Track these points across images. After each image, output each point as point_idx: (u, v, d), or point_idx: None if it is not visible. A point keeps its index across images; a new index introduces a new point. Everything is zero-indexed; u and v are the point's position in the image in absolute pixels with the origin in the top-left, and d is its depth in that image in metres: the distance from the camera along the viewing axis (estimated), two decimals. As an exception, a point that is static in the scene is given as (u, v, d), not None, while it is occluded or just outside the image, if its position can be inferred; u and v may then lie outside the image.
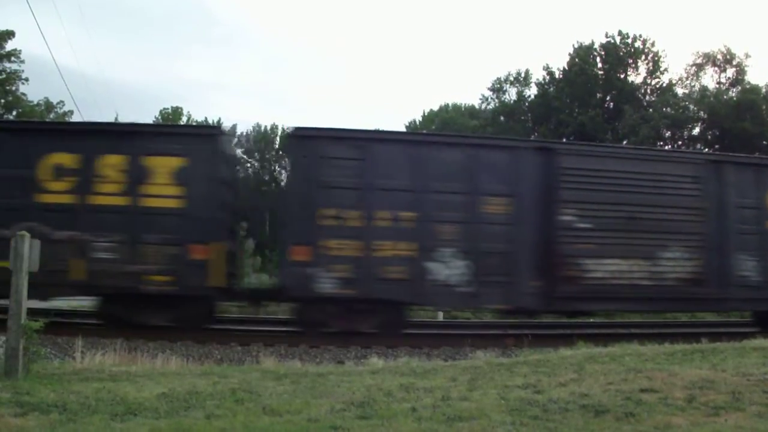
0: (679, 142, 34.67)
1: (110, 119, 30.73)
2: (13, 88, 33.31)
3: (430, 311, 15.72)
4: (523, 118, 42.33)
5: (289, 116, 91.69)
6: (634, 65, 38.73)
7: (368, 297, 11.35)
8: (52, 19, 60.72)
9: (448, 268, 11.49)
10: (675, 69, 47.30)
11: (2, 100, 32.86)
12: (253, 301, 13.38)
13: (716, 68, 36.77)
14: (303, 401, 5.37)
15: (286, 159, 11.44)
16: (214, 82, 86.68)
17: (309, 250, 11.15)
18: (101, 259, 11.08)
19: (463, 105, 56.12)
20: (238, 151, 38.26)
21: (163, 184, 11.32)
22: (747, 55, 36.54)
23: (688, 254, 12.28)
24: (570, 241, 11.85)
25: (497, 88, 47.45)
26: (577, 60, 38.49)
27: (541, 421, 4.76)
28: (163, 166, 11.34)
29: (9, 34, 32.13)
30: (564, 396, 5.51)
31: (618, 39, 38.59)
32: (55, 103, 36.61)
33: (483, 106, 49.28)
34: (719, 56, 36.30)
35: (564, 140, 29.91)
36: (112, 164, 11.34)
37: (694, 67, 37.12)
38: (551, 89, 39.93)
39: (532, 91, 44.28)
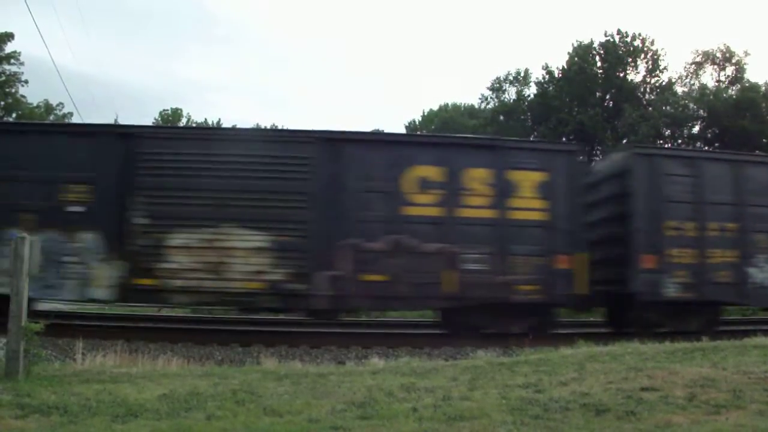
0: (679, 141, 34.67)
1: (110, 120, 30.67)
2: (13, 90, 33.35)
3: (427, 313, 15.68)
4: (522, 117, 42.32)
5: (288, 117, 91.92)
6: (633, 64, 38.70)
7: (703, 299, 12.48)
8: (51, 21, 60.84)
9: (763, 272, 12.80)
10: (674, 67, 47.57)
11: (2, 102, 32.88)
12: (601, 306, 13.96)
13: (715, 66, 36.78)
14: (304, 402, 5.37)
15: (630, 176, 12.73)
16: (213, 82, 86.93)
17: (657, 258, 12.32)
18: (472, 271, 11.49)
19: (462, 105, 56.15)
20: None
21: (528, 197, 11.91)
22: (746, 53, 36.59)
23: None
24: None
25: (497, 88, 47.45)
26: (576, 59, 38.46)
27: (542, 421, 4.76)
28: (528, 179, 11.93)
29: (8, 36, 32.17)
30: (565, 395, 5.51)
31: (617, 38, 38.57)
32: (54, 105, 36.73)
33: (482, 106, 49.28)
34: (718, 54, 36.31)
35: (563, 139, 29.82)
36: (477, 177, 11.80)
37: (693, 66, 37.15)
38: (551, 88, 39.89)
39: (531, 91, 44.25)
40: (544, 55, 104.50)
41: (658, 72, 38.68)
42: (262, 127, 48.52)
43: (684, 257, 12.43)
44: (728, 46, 36.39)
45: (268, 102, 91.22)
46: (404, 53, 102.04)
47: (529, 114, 42.28)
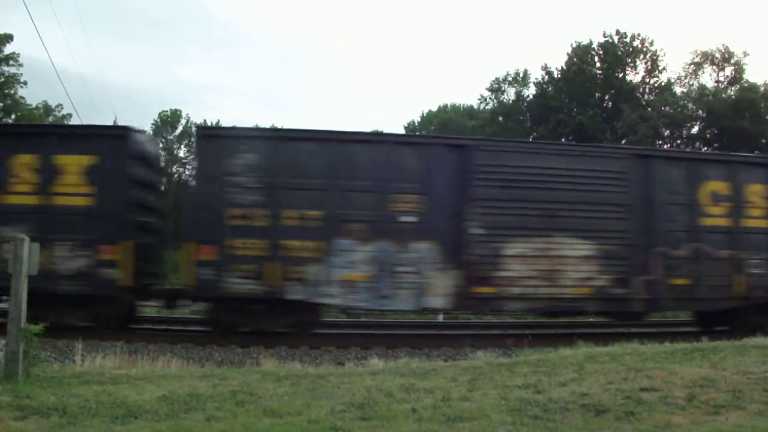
0: (678, 141, 34.71)
1: (109, 122, 30.67)
2: (12, 92, 33.34)
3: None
4: (521, 118, 42.36)
5: (287, 118, 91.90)
6: (632, 64, 38.76)
7: None
8: (50, 22, 60.84)
9: None
10: (673, 68, 47.57)
11: (1, 104, 32.87)
12: None
13: (714, 67, 36.81)
14: (303, 403, 5.37)
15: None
16: (212, 83, 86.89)
17: None
18: (755, 274, 12.53)
19: (461, 105, 56.20)
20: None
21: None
22: (745, 54, 36.63)
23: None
24: None
25: (496, 89, 47.52)
26: (575, 59, 38.51)
27: (541, 421, 4.76)
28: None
29: (7, 38, 32.17)
30: (564, 395, 5.51)
31: (616, 38, 38.63)
32: (53, 106, 36.69)
33: (482, 107, 49.39)
34: (717, 55, 36.35)
35: (563, 140, 29.90)
36: (756, 192, 12.81)
37: (692, 66, 37.18)
38: (550, 89, 39.94)
39: (530, 91, 44.35)
40: (543, 55, 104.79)
41: (657, 72, 38.77)
42: (262, 127, 48.60)
43: None
44: (727, 47, 36.47)
45: (268, 102, 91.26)
46: (403, 54, 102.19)
47: (528, 115, 42.35)
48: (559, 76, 39.55)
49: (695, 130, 35.18)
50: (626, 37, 38.60)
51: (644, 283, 12.12)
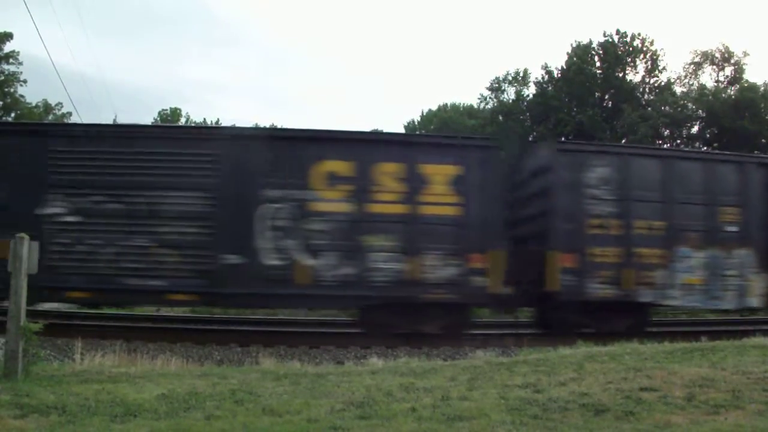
0: (678, 141, 34.71)
1: (108, 120, 30.68)
2: (12, 90, 33.34)
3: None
4: (521, 117, 42.32)
5: (288, 117, 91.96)
6: (632, 64, 38.75)
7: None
8: (50, 20, 60.72)
9: None
10: (673, 68, 47.55)
11: (1, 102, 32.86)
12: None
13: (714, 67, 36.83)
14: (303, 402, 5.36)
15: None
16: (213, 82, 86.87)
17: None
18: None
19: (461, 105, 56.10)
20: None
21: None
22: (745, 54, 36.67)
23: None
24: None
25: (496, 88, 47.46)
26: (575, 59, 38.49)
27: (540, 421, 4.76)
28: None
29: (7, 36, 32.16)
30: (564, 395, 5.51)
31: (616, 38, 38.62)
32: (53, 104, 36.68)
33: (482, 106, 49.31)
34: (717, 55, 36.36)
35: (562, 139, 29.87)
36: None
37: (692, 66, 37.20)
38: (550, 88, 39.92)
39: (530, 91, 44.30)
40: (543, 55, 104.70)
41: (657, 72, 38.76)
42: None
43: None
44: (727, 47, 36.50)
45: (268, 102, 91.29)
46: (403, 53, 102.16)
47: (528, 114, 42.32)
48: (559, 75, 39.53)
49: (695, 129, 35.20)
50: (626, 36, 38.60)
51: None
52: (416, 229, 11.20)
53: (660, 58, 38.64)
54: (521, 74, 46.60)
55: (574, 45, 39.33)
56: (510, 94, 46.50)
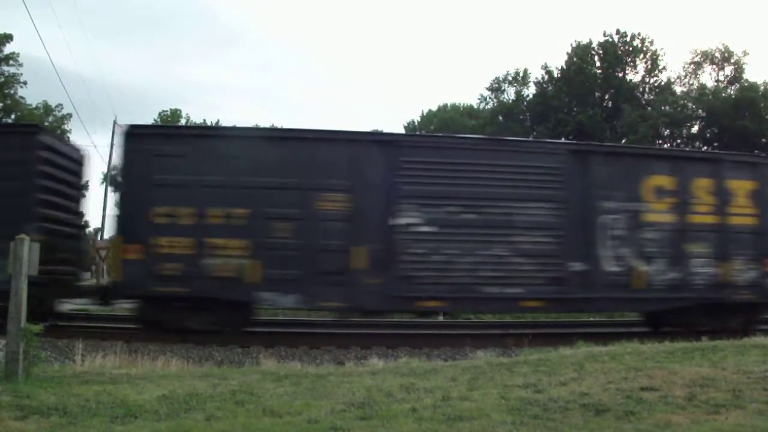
0: (678, 140, 34.71)
1: (108, 122, 30.67)
2: (12, 92, 33.31)
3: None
4: (521, 117, 42.36)
5: (287, 117, 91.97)
6: (632, 64, 38.80)
7: None
8: (50, 22, 60.84)
9: None
10: (673, 67, 47.58)
11: (1, 104, 32.85)
12: None
13: (714, 66, 36.87)
14: (303, 402, 5.36)
15: None
16: (213, 83, 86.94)
17: None
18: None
19: (461, 105, 56.18)
20: None
21: None
22: (745, 53, 36.75)
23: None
24: None
25: (496, 88, 47.53)
26: (575, 59, 38.54)
27: (541, 421, 4.76)
28: None
29: (7, 38, 32.14)
30: (564, 395, 5.51)
31: (616, 38, 38.67)
32: (53, 106, 36.66)
33: (481, 106, 49.41)
34: (717, 54, 36.39)
35: (563, 140, 29.90)
36: None
37: (692, 66, 37.25)
38: (550, 88, 39.97)
39: (530, 91, 44.37)
40: (543, 55, 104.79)
41: (657, 72, 38.82)
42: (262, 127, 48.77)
43: None
44: (727, 46, 36.55)
45: (268, 102, 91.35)
46: (403, 53, 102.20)
47: (528, 114, 42.38)
48: (559, 75, 39.58)
49: (695, 129, 35.20)
50: (626, 36, 38.66)
51: None
52: (725, 238, 12.40)
53: (660, 57, 38.73)
54: (521, 74, 46.68)
55: (574, 45, 39.42)
56: (510, 94, 46.60)
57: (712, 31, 78.02)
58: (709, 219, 12.39)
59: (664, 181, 12.34)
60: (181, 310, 11.21)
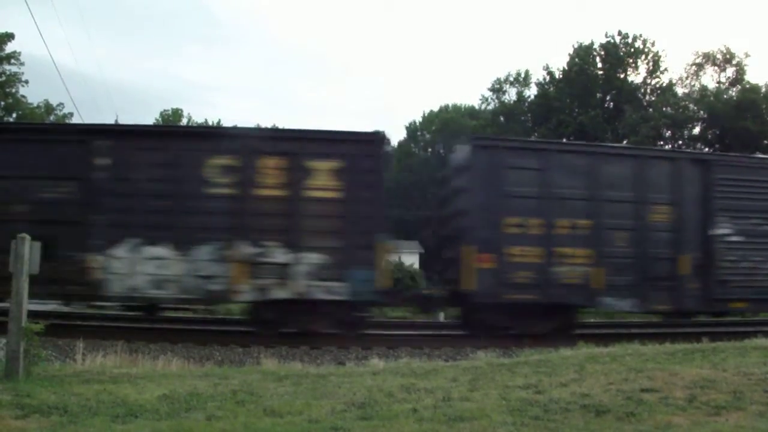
0: (680, 142, 34.69)
1: (110, 121, 30.71)
2: (13, 90, 33.32)
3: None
4: (523, 118, 42.36)
5: (288, 117, 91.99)
6: (634, 65, 38.76)
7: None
8: (52, 21, 60.88)
9: None
10: (675, 69, 47.53)
11: (2, 103, 32.86)
12: None
13: (716, 68, 36.84)
14: (304, 402, 5.36)
15: None
16: (213, 82, 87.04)
17: None
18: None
19: (463, 106, 56.15)
20: None
21: None
22: (747, 55, 36.72)
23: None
24: None
25: (497, 89, 47.54)
26: (577, 60, 38.51)
27: (542, 422, 4.76)
28: None
29: (8, 37, 32.14)
30: (565, 396, 5.51)
31: (618, 39, 38.63)
32: (54, 105, 36.69)
33: (483, 107, 49.40)
34: (719, 56, 36.37)
35: (564, 140, 29.90)
36: None
37: (693, 67, 37.22)
38: (551, 89, 39.94)
39: (532, 92, 44.38)
40: (545, 56, 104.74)
41: (658, 73, 38.78)
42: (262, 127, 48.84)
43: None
44: (728, 48, 36.50)
45: (268, 102, 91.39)
46: (405, 54, 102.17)
47: (529, 115, 42.35)
48: (561, 76, 39.56)
49: (697, 130, 35.18)
50: (628, 37, 38.62)
51: None
52: None
53: (661, 59, 38.68)
54: (523, 75, 46.70)
55: (576, 46, 39.41)
56: (511, 94, 46.62)
57: (714, 33, 78.05)
58: None
59: None
60: (528, 316, 11.96)
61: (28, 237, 6.45)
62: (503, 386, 6.06)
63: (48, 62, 79.34)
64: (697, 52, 37.27)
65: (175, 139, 11.92)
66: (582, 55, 38.57)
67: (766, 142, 31.96)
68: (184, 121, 46.27)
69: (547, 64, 41.94)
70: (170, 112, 46.57)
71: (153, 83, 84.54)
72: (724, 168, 13.14)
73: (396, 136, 56.87)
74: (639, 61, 38.68)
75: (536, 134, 38.32)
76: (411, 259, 28.92)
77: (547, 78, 40.75)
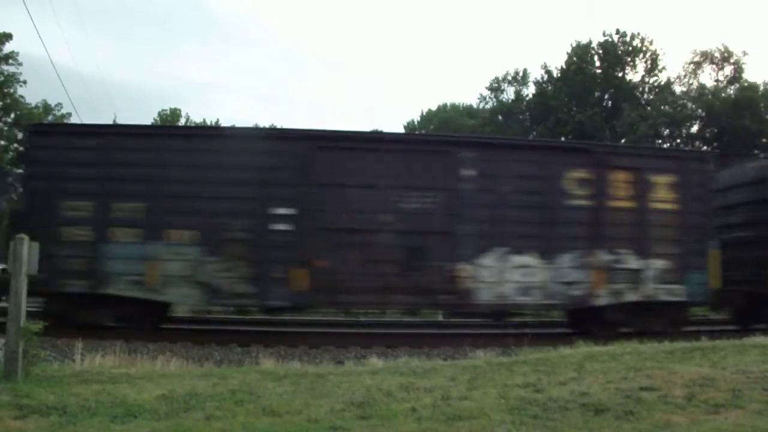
0: (678, 140, 34.70)
1: (108, 120, 30.65)
2: (11, 91, 33.23)
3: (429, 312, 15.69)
4: (521, 117, 42.35)
5: (287, 117, 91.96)
6: (632, 64, 38.76)
7: None
8: (50, 21, 60.65)
9: None
10: (673, 67, 47.54)
11: (0, 103, 32.79)
12: None
13: (714, 66, 36.82)
14: (303, 402, 5.36)
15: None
16: (212, 82, 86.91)
17: None
18: None
19: (461, 104, 56.15)
20: None
21: None
22: (744, 53, 36.79)
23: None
24: None
25: (495, 88, 47.52)
26: (575, 59, 38.50)
27: (541, 420, 4.76)
28: None
29: (6, 37, 32.05)
30: (564, 395, 5.51)
31: (616, 37, 38.63)
32: (53, 105, 36.57)
33: (481, 106, 49.40)
34: (717, 54, 36.35)
35: (562, 139, 29.89)
36: None
37: (692, 65, 37.18)
38: (549, 88, 39.93)
39: (530, 91, 44.36)
40: (543, 54, 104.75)
41: (656, 72, 38.78)
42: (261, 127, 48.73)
43: None
44: (727, 46, 36.48)
45: (267, 101, 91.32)
46: (403, 53, 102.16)
47: (527, 114, 42.35)
48: (559, 75, 39.54)
49: (695, 129, 35.18)
50: (626, 36, 38.62)
51: None
52: None
53: (659, 57, 38.69)
54: (521, 74, 46.68)
55: (574, 45, 39.37)
56: (509, 93, 46.60)
57: (712, 31, 78.03)
58: None
59: None
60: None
61: (26, 237, 6.45)
62: (502, 385, 6.06)
63: (46, 62, 79.22)
64: (695, 50, 37.27)
65: (539, 153, 12.64)
66: (580, 53, 38.56)
67: (764, 140, 31.98)
68: (182, 121, 46.12)
69: (545, 63, 42.19)
70: (168, 112, 46.41)
71: (151, 82, 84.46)
72: None
73: (394, 135, 56.57)
74: (637, 59, 38.69)
75: (534, 133, 38.34)
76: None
77: (545, 77, 40.75)
